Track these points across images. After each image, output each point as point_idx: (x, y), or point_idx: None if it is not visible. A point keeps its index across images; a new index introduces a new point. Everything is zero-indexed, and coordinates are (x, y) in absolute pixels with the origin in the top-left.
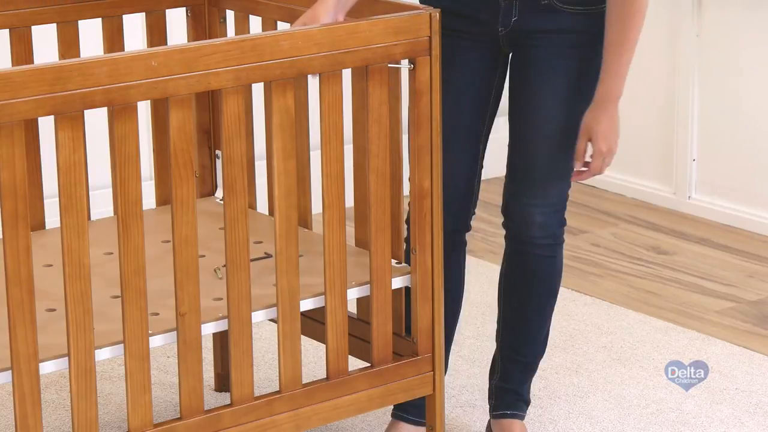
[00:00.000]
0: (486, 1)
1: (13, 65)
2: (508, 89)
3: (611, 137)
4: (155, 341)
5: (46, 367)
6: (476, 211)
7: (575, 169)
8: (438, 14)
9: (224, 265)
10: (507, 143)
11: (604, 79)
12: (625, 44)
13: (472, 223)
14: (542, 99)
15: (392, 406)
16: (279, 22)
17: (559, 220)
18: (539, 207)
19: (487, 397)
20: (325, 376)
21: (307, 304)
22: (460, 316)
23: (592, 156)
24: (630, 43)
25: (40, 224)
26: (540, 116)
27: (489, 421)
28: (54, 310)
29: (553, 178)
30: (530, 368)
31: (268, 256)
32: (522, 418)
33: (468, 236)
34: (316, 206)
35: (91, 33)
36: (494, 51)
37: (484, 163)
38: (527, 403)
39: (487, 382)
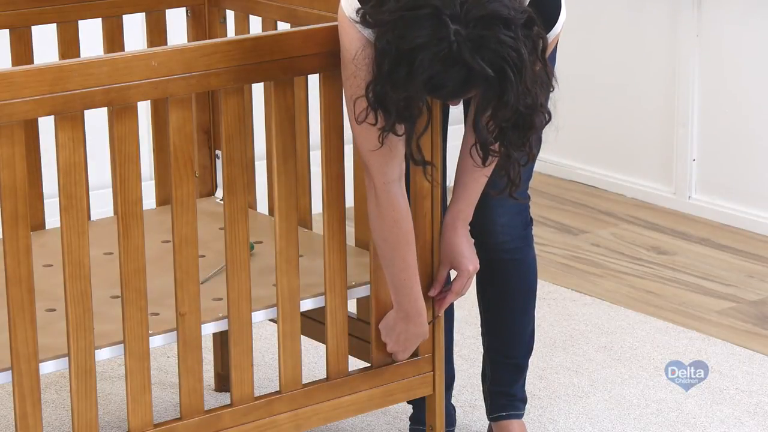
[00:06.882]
0: None
1: (13, 65)
2: None
3: (473, 255)
4: (155, 341)
5: (46, 367)
6: None
7: (436, 297)
8: None
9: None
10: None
11: (456, 201)
12: (480, 181)
13: None
14: None
15: (409, 421)
16: (279, 22)
17: (524, 221)
18: (501, 207)
19: None
20: (325, 376)
21: (307, 304)
22: (460, 317)
23: (455, 278)
24: (482, 184)
25: (40, 224)
26: None
27: (489, 425)
28: (54, 310)
29: None
30: (520, 368)
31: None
32: (520, 417)
33: None
34: (316, 206)
35: (91, 33)
36: None
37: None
38: (524, 400)
39: None
